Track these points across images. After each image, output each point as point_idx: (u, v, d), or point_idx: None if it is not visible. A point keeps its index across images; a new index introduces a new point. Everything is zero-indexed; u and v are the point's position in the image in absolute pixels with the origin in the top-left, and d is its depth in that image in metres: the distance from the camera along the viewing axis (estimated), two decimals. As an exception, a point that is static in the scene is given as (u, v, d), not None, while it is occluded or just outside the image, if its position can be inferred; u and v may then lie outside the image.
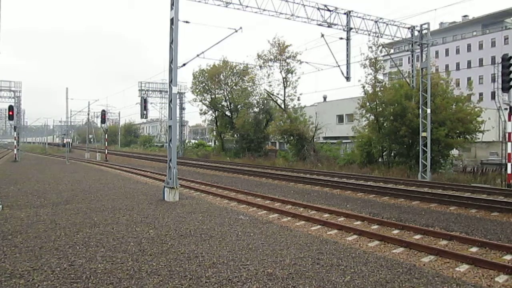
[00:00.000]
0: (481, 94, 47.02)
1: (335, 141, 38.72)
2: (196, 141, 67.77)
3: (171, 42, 14.08)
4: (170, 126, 14.30)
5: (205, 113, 49.69)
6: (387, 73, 37.86)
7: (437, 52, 62.81)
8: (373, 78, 28.82)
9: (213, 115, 48.92)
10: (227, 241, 8.03)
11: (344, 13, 18.79)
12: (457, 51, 65.25)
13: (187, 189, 17.16)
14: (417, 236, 9.02)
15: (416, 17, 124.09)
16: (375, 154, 28.59)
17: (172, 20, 13.98)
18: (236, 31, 16.39)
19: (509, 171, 17.35)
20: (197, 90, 47.86)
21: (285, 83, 37.57)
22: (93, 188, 16.71)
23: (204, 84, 47.22)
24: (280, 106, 38.72)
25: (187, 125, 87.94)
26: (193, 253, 7.14)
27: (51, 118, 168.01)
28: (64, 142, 73.60)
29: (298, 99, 38.51)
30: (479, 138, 26.38)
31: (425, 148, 21.64)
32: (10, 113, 31.65)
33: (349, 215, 11.24)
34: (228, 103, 46.42)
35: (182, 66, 16.79)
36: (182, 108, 52.94)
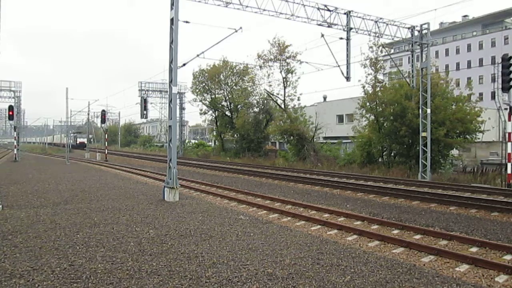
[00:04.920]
0: (481, 94, 47.01)
1: (335, 141, 38.73)
2: (196, 141, 67.72)
3: (171, 42, 14.08)
4: (170, 126, 14.30)
5: (205, 113, 49.75)
6: (387, 73, 37.79)
7: (437, 52, 62.83)
8: (373, 78, 28.83)
9: (213, 115, 48.94)
10: (227, 241, 8.03)
11: (344, 13, 18.79)
12: (457, 51, 65.27)
13: (187, 189, 17.15)
14: (417, 236, 9.01)
15: (416, 17, 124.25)
16: (375, 154, 28.59)
17: (172, 20, 13.97)
18: (236, 31, 16.39)
19: (509, 171, 17.35)
20: (197, 90, 47.89)
21: (285, 83, 37.57)
22: (93, 188, 16.70)
23: (204, 84, 47.22)
24: (280, 106, 38.70)
25: (187, 125, 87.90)
26: (193, 253, 7.14)
27: (51, 118, 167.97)
28: (78, 142, 71.92)
29: (298, 99, 38.53)
30: (479, 138, 26.40)
31: (425, 148, 21.64)
32: (10, 113, 31.68)
33: (349, 215, 11.23)
34: (228, 103, 46.42)
35: (182, 66, 16.78)
36: (182, 108, 52.92)
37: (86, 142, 62.02)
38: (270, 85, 39.02)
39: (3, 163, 36.60)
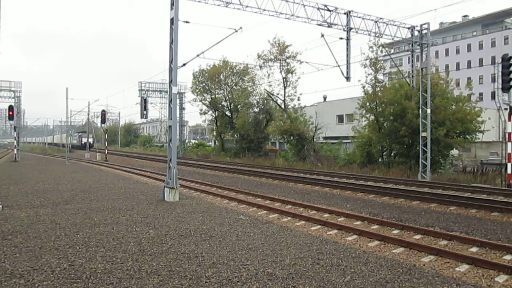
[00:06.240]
0: (481, 94, 46.98)
1: (335, 141, 38.72)
2: (196, 141, 67.71)
3: (171, 42, 14.08)
4: (170, 126, 14.30)
5: (205, 113, 49.79)
6: (387, 73, 37.81)
7: (437, 52, 62.80)
8: (373, 78, 28.87)
9: (213, 115, 48.97)
10: (227, 241, 8.03)
11: (344, 13, 18.79)
12: (457, 51, 65.24)
13: (187, 189, 17.15)
14: (417, 236, 9.01)
15: (416, 17, 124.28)
16: (375, 154, 28.59)
17: (172, 20, 13.98)
18: (236, 31, 16.39)
19: (509, 171, 17.35)
20: (197, 90, 47.92)
21: (285, 83, 37.58)
22: (93, 188, 16.70)
23: (204, 84, 47.25)
24: (280, 106, 38.71)
25: (187, 125, 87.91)
26: (193, 253, 7.14)
27: (51, 118, 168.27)
28: (83, 142, 71.15)
29: (298, 99, 38.57)
30: (479, 138, 26.39)
31: (425, 148, 21.64)
32: (10, 113, 31.69)
33: (349, 215, 11.23)
34: (228, 103, 46.44)
35: (182, 66, 16.78)
36: (182, 108, 52.91)
37: (91, 142, 60.83)
38: (270, 85, 39.12)
39: (3, 163, 36.59)
